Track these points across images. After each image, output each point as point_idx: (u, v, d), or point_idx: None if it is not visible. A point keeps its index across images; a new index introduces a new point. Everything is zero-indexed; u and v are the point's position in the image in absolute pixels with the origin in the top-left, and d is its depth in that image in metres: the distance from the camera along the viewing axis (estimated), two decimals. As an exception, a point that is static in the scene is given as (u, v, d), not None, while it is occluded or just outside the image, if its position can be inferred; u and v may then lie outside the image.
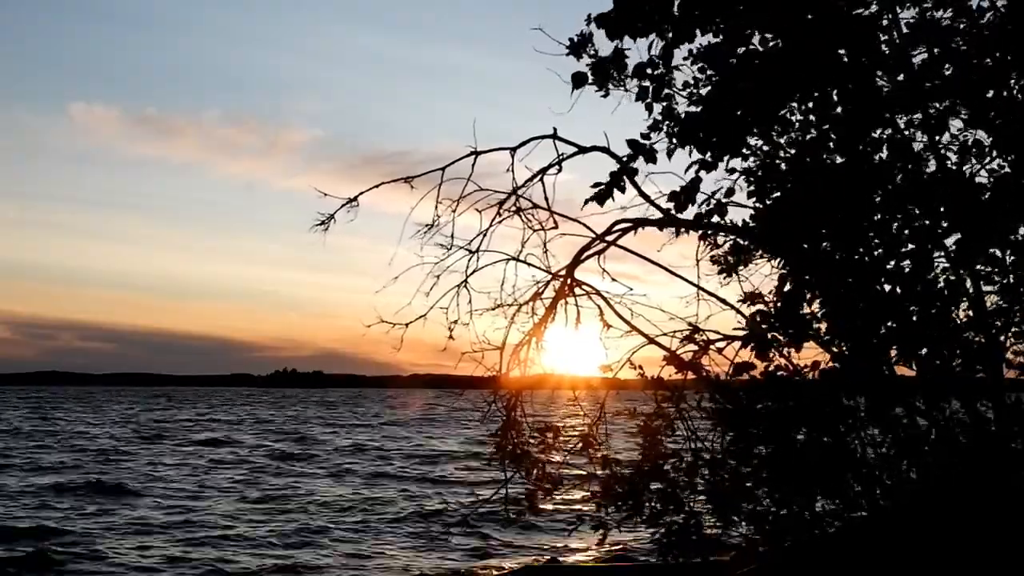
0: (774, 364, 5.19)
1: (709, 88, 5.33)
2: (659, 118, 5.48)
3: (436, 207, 5.64)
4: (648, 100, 5.40)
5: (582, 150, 5.58)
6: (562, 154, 5.57)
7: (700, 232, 5.81)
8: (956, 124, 5.29)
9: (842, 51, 4.99)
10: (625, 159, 5.42)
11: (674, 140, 5.37)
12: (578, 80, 5.36)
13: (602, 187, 5.37)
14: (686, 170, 5.40)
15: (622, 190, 5.39)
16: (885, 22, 5.17)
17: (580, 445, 5.62)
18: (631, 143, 5.38)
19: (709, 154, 5.23)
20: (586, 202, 5.39)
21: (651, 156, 5.39)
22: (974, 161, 5.34)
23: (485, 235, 5.67)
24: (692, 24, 5.06)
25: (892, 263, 5.15)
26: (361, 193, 5.68)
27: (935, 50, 5.04)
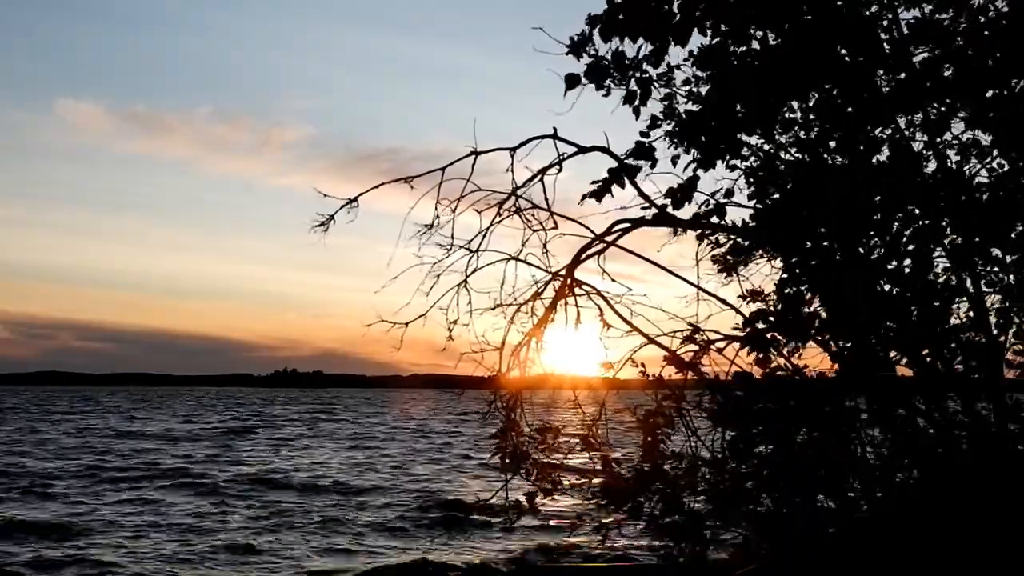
0: (774, 364, 5.19)
1: (708, 87, 5.32)
2: (659, 115, 5.46)
3: (436, 207, 5.64)
4: (635, 104, 5.36)
5: (582, 150, 5.57)
6: (562, 154, 5.57)
7: (699, 232, 5.80)
8: (956, 124, 5.29)
9: (843, 51, 4.98)
10: (624, 156, 5.40)
11: (674, 140, 5.35)
12: (571, 81, 5.34)
13: (599, 184, 5.36)
14: (684, 168, 5.39)
15: (622, 185, 5.38)
16: (885, 22, 5.17)
17: (580, 445, 5.62)
18: (635, 146, 5.37)
19: (706, 154, 5.22)
20: (583, 198, 5.38)
21: (650, 156, 5.37)
22: (974, 161, 5.34)
23: (485, 235, 5.67)
24: (691, 24, 5.04)
25: (892, 263, 5.15)
26: (361, 194, 5.67)
27: (935, 50, 5.04)
